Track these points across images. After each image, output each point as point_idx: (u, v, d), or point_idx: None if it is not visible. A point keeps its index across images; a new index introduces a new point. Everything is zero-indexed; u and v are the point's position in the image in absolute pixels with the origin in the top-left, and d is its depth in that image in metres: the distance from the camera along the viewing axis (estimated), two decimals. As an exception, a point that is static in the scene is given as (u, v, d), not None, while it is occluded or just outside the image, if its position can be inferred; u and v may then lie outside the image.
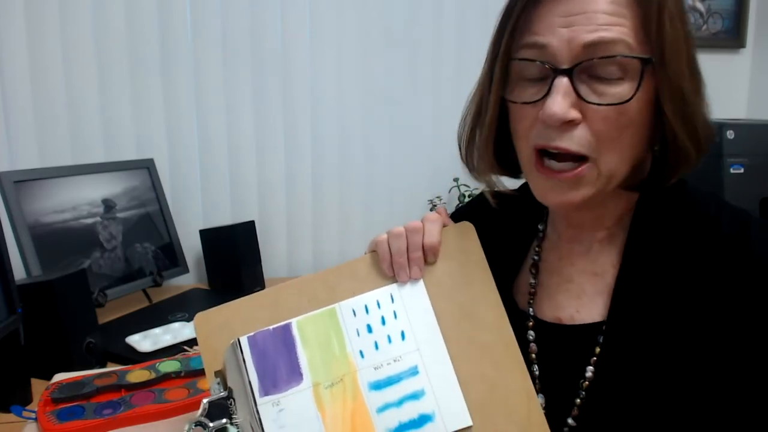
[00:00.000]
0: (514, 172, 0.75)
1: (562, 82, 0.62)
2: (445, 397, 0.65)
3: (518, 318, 0.73)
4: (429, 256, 0.70)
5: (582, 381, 0.68)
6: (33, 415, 0.85)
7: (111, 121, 1.66)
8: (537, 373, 0.72)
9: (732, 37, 2.27)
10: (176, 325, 1.34)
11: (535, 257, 0.78)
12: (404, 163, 1.94)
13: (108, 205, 1.54)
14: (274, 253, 1.85)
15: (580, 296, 0.72)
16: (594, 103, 0.62)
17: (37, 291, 1.14)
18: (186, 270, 1.74)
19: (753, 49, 2.31)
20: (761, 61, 2.30)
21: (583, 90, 0.62)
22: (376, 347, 0.67)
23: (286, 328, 0.68)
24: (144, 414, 0.85)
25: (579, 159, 0.64)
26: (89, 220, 1.49)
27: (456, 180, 1.93)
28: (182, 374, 0.95)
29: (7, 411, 0.90)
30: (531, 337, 0.74)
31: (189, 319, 1.38)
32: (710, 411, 0.62)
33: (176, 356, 1.02)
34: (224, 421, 0.65)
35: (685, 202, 0.70)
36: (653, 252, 0.68)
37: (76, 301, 1.17)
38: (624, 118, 0.62)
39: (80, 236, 1.46)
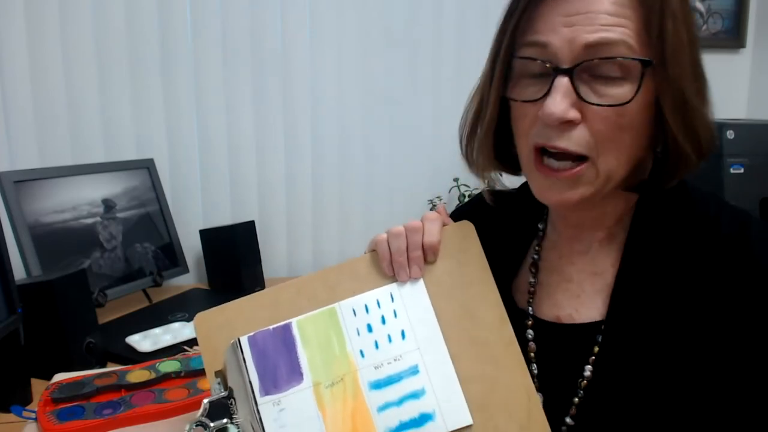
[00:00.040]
0: (514, 169, 0.75)
1: (563, 81, 0.62)
2: (445, 395, 0.65)
3: (517, 317, 0.73)
4: (429, 255, 0.70)
5: (580, 380, 0.68)
6: (33, 415, 0.85)
7: (111, 121, 1.66)
8: (535, 372, 0.72)
9: (732, 37, 2.27)
10: (176, 325, 1.34)
11: (535, 256, 0.78)
12: (404, 163, 1.94)
13: (108, 205, 1.54)
14: (274, 253, 1.85)
15: (580, 295, 0.72)
16: (594, 104, 0.62)
17: (37, 291, 1.14)
18: (186, 270, 1.74)
19: (753, 49, 2.31)
20: (761, 61, 2.30)
21: (584, 90, 0.62)
22: (377, 346, 0.67)
23: (286, 328, 0.68)
24: (144, 414, 0.85)
25: (578, 158, 0.64)
26: (89, 220, 1.49)
27: (456, 180, 1.93)
28: (182, 374, 0.95)
29: (7, 411, 0.90)
30: (530, 336, 0.74)
31: (189, 319, 1.38)
32: (709, 411, 0.62)
33: (176, 356, 1.02)
34: (225, 420, 0.65)
35: (685, 202, 0.69)
36: (653, 252, 0.68)
37: (76, 301, 1.17)
38: (623, 119, 0.62)
39: (80, 236, 1.46)
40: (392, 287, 0.70)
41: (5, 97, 1.54)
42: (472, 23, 1.91)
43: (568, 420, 0.68)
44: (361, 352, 0.67)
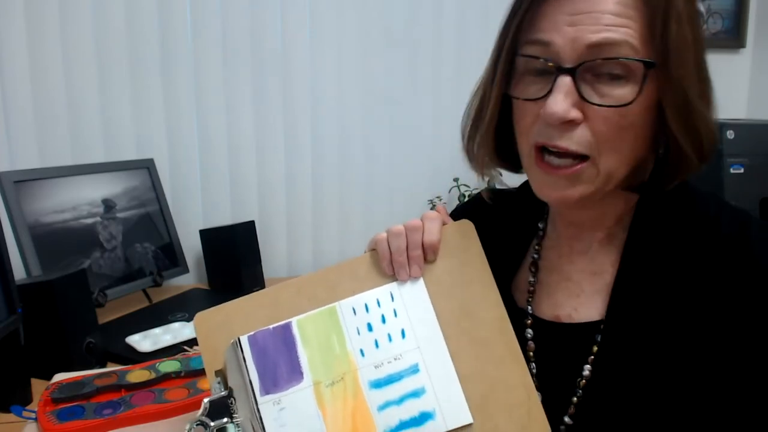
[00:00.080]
0: (515, 166, 0.75)
1: (565, 81, 0.62)
2: (445, 394, 0.65)
3: (517, 316, 0.73)
4: (429, 254, 0.70)
5: (579, 379, 0.68)
6: (33, 415, 0.85)
7: (111, 121, 1.66)
8: (534, 371, 0.72)
9: (732, 37, 2.27)
10: (176, 325, 1.34)
11: (535, 255, 0.78)
12: (404, 163, 1.94)
13: (108, 205, 1.54)
14: (274, 253, 1.85)
15: (579, 295, 0.72)
16: (596, 104, 0.61)
17: (37, 291, 1.14)
18: (186, 270, 1.74)
19: (753, 49, 2.31)
20: (761, 61, 2.30)
21: (586, 90, 0.62)
22: (377, 345, 0.67)
23: (287, 327, 0.68)
24: (144, 414, 0.85)
25: (579, 157, 0.64)
26: (89, 220, 1.49)
27: (456, 180, 1.93)
28: (182, 374, 0.94)
29: (7, 411, 0.90)
30: (529, 335, 0.74)
31: (189, 319, 1.38)
32: (708, 411, 0.62)
33: (176, 356, 1.02)
34: (225, 420, 0.65)
35: (685, 202, 0.69)
36: (653, 252, 0.68)
37: (76, 301, 1.17)
38: (625, 120, 0.62)
39: (80, 236, 1.46)
40: (392, 286, 0.70)
41: (5, 97, 1.54)
42: (472, 23, 1.91)
43: (566, 419, 0.68)
44: (362, 351, 0.67)
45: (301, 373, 0.66)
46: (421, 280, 0.70)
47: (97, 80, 1.63)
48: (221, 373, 0.68)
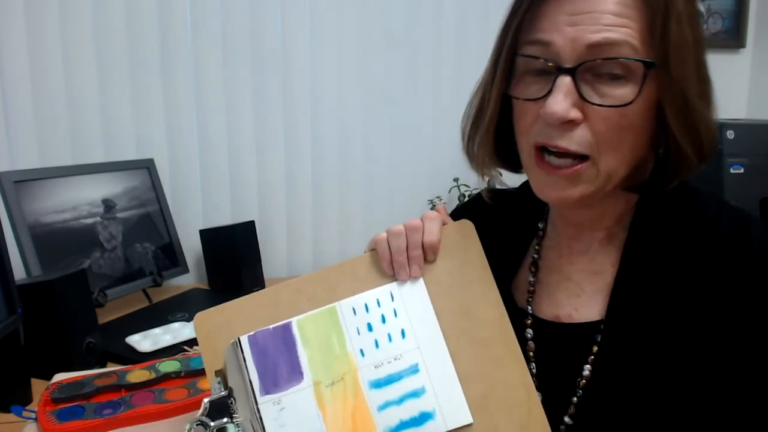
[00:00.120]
0: (515, 166, 0.75)
1: (565, 81, 0.61)
2: (445, 394, 0.65)
3: (516, 316, 0.73)
4: (429, 254, 0.70)
5: (579, 379, 0.68)
6: (33, 415, 0.85)
7: (111, 121, 1.66)
8: (534, 371, 0.72)
9: (732, 37, 2.27)
10: (176, 325, 1.34)
11: (535, 255, 0.78)
12: (404, 163, 1.94)
13: (108, 205, 1.54)
14: (274, 253, 1.85)
15: (579, 295, 0.72)
16: (596, 104, 0.61)
17: (37, 291, 1.14)
18: (186, 270, 1.74)
19: (753, 49, 2.31)
20: (761, 61, 2.30)
21: (586, 90, 0.62)
22: (377, 346, 0.67)
23: (287, 327, 0.68)
24: (144, 414, 0.85)
25: (579, 157, 0.64)
26: (89, 220, 1.49)
27: (456, 180, 1.93)
28: (182, 374, 0.94)
29: (7, 411, 0.90)
30: (529, 335, 0.74)
31: (189, 319, 1.38)
32: (708, 411, 0.62)
33: (176, 356, 1.02)
34: (225, 420, 0.65)
35: (685, 202, 0.69)
36: (653, 251, 0.68)
37: (76, 301, 1.17)
38: (625, 120, 0.62)
39: (80, 236, 1.46)
40: (392, 286, 0.70)
41: (5, 97, 1.54)
42: (472, 23, 1.91)
43: (566, 419, 0.68)
44: (362, 351, 0.67)
45: (301, 373, 0.66)
46: (421, 280, 0.70)
47: (97, 80, 1.63)
48: (221, 373, 0.68)
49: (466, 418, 0.64)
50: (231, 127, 1.77)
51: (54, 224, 1.41)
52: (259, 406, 0.65)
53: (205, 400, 0.66)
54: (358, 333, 0.67)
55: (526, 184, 0.76)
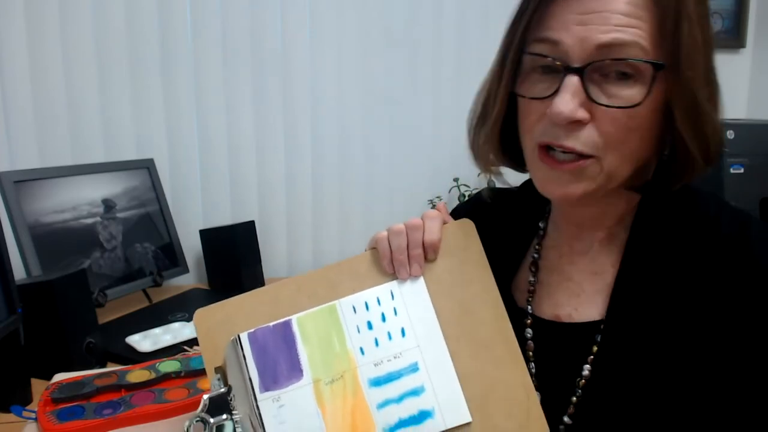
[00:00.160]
0: (520, 165, 0.74)
1: (572, 80, 0.61)
2: (444, 393, 0.65)
3: (516, 315, 0.73)
4: (429, 253, 0.70)
5: (579, 379, 0.68)
6: (33, 415, 0.85)
7: (111, 121, 1.66)
8: (534, 370, 0.72)
9: (732, 37, 2.27)
10: (176, 325, 1.34)
11: (535, 255, 0.78)
12: (404, 163, 1.94)
13: (108, 205, 1.54)
14: (274, 253, 1.85)
15: (579, 295, 0.72)
16: (603, 105, 0.61)
17: (37, 291, 1.14)
18: (186, 270, 1.74)
19: (753, 49, 2.31)
20: (761, 61, 2.30)
21: (594, 90, 0.61)
22: (377, 344, 0.67)
23: (287, 325, 0.68)
24: (144, 414, 0.85)
25: (584, 156, 0.64)
26: (89, 220, 1.49)
27: (456, 180, 1.93)
28: (182, 374, 0.94)
29: (7, 411, 0.90)
30: (529, 335, 0.74)
31: (189, 319, 1.38)
32: (708, 411, 0.62)
33: (176, 356, 1.02)
34: (224, 417, 0.65)
35: (686, 202, 0.69)
36: (653, 252, 0.68)
37: (76, 301, 1.17)
38: (633, 121, 0.62)
39: (80, 236, 1.46)
40: (392, 285, 0.69)
41: (5, 97, 1.54)
42: (472, 23, 1.91)
43: (566, 419, 0.68)
44: (361, 349, 0.67)
45: (301, 371, 0.66)
46: (422, 279, 0.70)
47: (97, 80, 1.63)
48: (221, 370, 0.68)
49: (465, 416, 0.64)
50: (231, 127, 1.77)
51: (54, 224, 1.41)
52: (259, 403, 0.65)
53: (205, 396, 0.66)
54: (358, 331, 0.67)
55: (526, 183, 0.76)
